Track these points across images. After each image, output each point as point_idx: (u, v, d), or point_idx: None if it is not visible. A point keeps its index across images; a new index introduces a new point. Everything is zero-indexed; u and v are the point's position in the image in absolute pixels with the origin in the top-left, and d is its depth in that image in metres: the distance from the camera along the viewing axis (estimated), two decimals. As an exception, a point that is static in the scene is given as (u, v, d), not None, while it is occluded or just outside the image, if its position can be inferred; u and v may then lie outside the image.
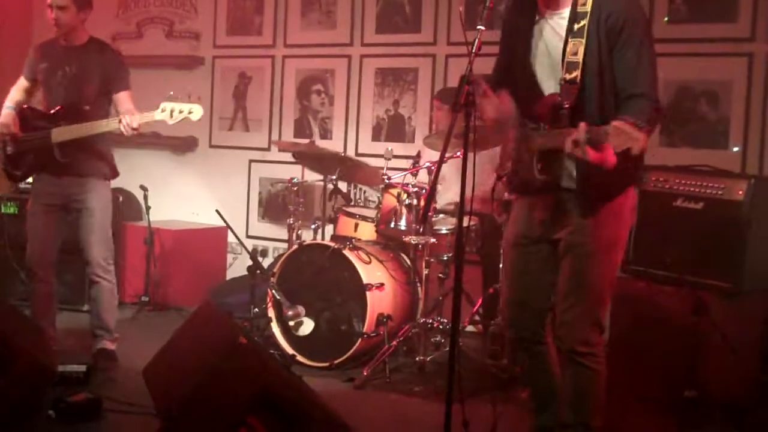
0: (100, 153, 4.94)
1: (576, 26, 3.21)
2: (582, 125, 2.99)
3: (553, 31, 3.31)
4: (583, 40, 3.18)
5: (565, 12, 3.27)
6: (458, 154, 4.76)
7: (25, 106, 5.01)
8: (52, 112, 4.87)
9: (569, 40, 3.22)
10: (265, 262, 6.40)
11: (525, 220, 3.51)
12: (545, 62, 3.34)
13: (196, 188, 7.51)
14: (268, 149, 7.22)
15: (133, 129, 4.62)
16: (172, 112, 4.52)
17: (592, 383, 3.40)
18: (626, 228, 3.47)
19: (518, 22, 3.41)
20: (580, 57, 3.18)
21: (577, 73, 3.19)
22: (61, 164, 4.83)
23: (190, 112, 4.54)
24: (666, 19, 5.69)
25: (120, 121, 4.63)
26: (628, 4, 3.26)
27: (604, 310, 3.45)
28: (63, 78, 4.91)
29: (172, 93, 4.56)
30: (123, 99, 4.89)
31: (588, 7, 3.20)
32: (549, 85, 3.33)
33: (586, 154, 2.98)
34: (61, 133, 4.77)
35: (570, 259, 3.37)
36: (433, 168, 5.28)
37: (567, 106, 3.19)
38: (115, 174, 5.08)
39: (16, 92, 5.10)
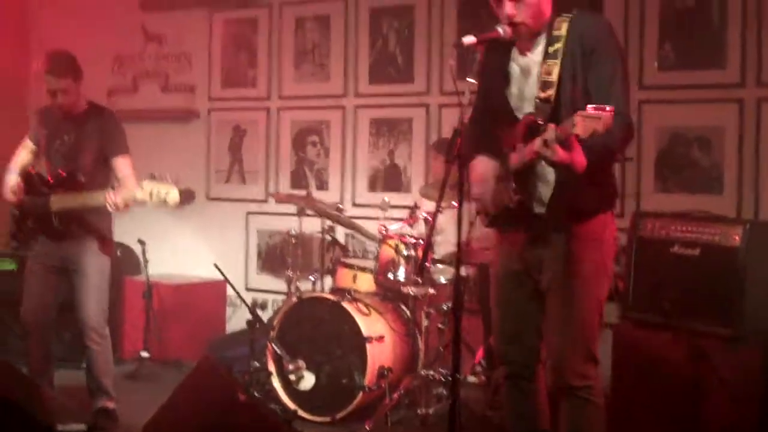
0: (97, 219, 4.95)
1: (551, 49, 3.30)
2: (551, 125, 3.07)
3: (527, 60, 3.40)
4: (558, 61, 3.26)
5: (541, 40, 3.36)
6: (454, 204, 4.80)
7: (31, 170, 5.05)
8: (51, 179, 4.91)
9: (545, 61, 3.30)
10: (265, 315, 6.37)
11: (506, 255, 3.54)
12: (522, 90, 3.42)
13: (194, 241, 7.52)
14: (265, 201, 7.25)
15: (116, 206, 4.65)
16: (151, 193, 4.53)
17: (592, 417, 3.40)
18: (609, 257, 3.48)
19: (495, 64, 3.46)
20: (554, 76, 3.26)
21: (551, 92, 3.26)
22: (59, 231, 4.86)
23: (167, 194, 4.54)
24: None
25: (107, 197, 4.66)
26: (601, 25, 3.38)
27: (595, 341, 3.44)
28: (61, 146, 4.94)
29: (153, 174, 4.56)
30: (121, 165, 4.91)
31: (563, 31, 3.28)
32: (522, 110, 3.40)
33: (555, 154, 3.02)
34: (58, 201, 4.81)
35: (554, 294, 3.39)
36: (429, 219, 5.31)
37: (541, 122, 3.22)
38: (111, 239, 5.10)
39: (21, 155, 5.13)
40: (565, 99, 3.25)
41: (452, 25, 6.46)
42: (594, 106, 2.88)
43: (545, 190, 3.35)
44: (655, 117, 5.71)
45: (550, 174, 3.31)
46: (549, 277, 3.39)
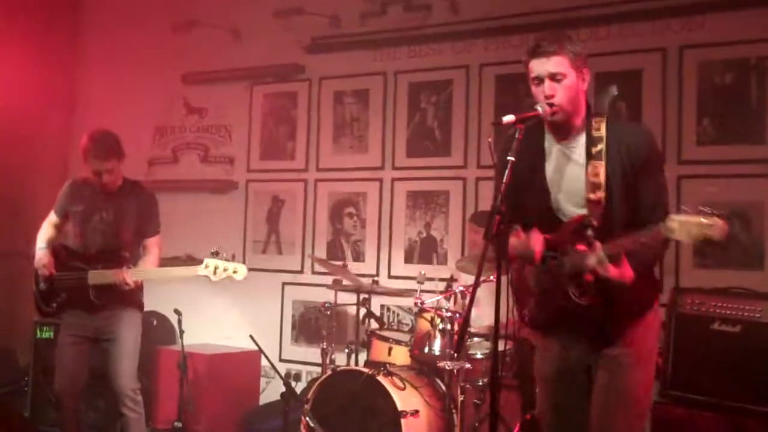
0: (133, 293, 5.01)
1: (594, 150, 3.32)
2: (597, 244, 3.11)
3: (566, 158, 3.40)
4: (603, 162, 3.28)
5: (580, 140, 3.37)
6: (491, 278, 4.78)
7: (60, 244, 5.11)
8: (87, 254, 4.96)
9: (589, 162, 3.31)
10: (298, 386, 6.36)
11: (557, 355, 3.50)
12: (563, 189, 3.41)
13: (230, 311, 7.53)
14: (301, 272, 7.27)
15: (127, 284, 4.73)
16: (215, 269, 4.61)
17: None
18: (656, 340, 3.51)
19: (527, 150, 3.42)
20: (602, 178, 3.27)
21: (601, 194, 3.27)
22: (95, 304, 4.92)
23: (234, 272, 4.62)
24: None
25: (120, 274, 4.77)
26: (645, 135, 3.41)
27: (643, 422, 3.44)
28: (99, 223, 5.03)
29: (215, 250, 4.65)
30: (152, 245, 5.04)
31: (603, 132, 3.32)
32: (567, 211, 3.40)
33: (607, 271, 3.08)
34: (97, 276, 4.86)
35: (605, 375, 3.37)
36: (466, 292, 5.29)
37: (594, 224, 3.23)
38: (141, 308, 5.15)
39: (47, 229, 5.21)
40: (615, 201, 3.27)
41: (490, 99, 6.52)
42: (703, 209, 2.90)
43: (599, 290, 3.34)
44: (693, 192, 5.67)
45: None
46: (601, 361, 3.38)
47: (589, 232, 3.23)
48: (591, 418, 3.42)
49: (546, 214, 3.43)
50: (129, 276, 4.76)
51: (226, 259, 4.69)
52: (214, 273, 4.61)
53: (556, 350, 3.52)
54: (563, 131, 3.40)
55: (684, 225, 2.89)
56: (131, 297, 4.99)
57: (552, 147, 3.45)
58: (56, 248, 5.08)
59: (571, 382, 3.48)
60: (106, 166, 4.89)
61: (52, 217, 5.22)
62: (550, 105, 3.30)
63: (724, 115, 5.71)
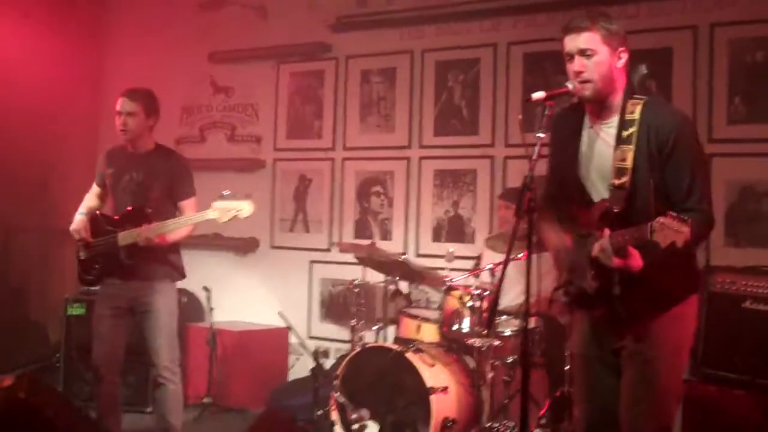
0: (165, 255, 5.03)
1: (625, 133, 3.28)
2: (605, 231, 3.13)
3: (600, 140, 3.38)
4: (632, 147, 3.25)
5: (613, 121, 3.34)
6: (521, 255, 4.79)
7: (97, 212, 5.15)
8: (117, 216, 5.00)
9: (618, 146, 3.29)
10: (327, 363, 6.39)
11: (586, 334, 3.51)
12: (593, 170, 3.41)
13: (258, 288, 7.58)
14: (328, 250, 7.30)
15: (148, 240, 4.74)
16: (222, 211, 4.60)
17: None
18: (690, 332, 3.45)
19: (566, 132, 3.48)
20: (629, 163, 3.24)
21: (626, 179, 3.24)
22: (128, 267, 4.92)
23: (239, 210, 4.60)
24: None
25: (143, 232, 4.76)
26: (677, 117, 3.35)
27: (671, 417, 3.40)
28: (129, 183, 5.04)
29: (226, 192, 4.64)
30: (187, 207, 5.01)
31: (636, 115, 3.27)
32: (598, 192, 3.39)
33: (610, 261, 3.11)
34: (126, 237, 4.88)
35: (634, 366, 3.35)
36: (495, 270, 5.30)
37: (616, 210, 3.22)
38: (181, 275, 5.16)
39: (89, 198, 5.26)
40: (640, 188, 3.24)
41: (517, 77, 6.50)
42: (675, 215, 2.90)
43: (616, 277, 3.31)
44: (724, 171, 5.64)
45: None
46: (630, 350, 3.36)
47: (612, 219, 3.24)
48: (620, 411, 3.41)
49: (580, 194, 3.44)
50: (149, 231, 4.76)
51: (237, 200, 4.65)
52: (222, 214, 4.61)
53: (585, 328, 3.53)
54: (598, 110, 3.38)
55: (663, 227, 2.89)
56: (164, 260, 5.01)
57: (587, 127, 3.44)
58: (94, 217, 5.10)
59: (598, 366, 3.48)
60: (128, 106, 4.93)
61: (94, 188, 5.28)
62: (580, 81, 3.29)
63: (756, 93, 5.67)
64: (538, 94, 3.25)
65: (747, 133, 5.67)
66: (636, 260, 3.10)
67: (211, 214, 4.64)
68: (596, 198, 3.39)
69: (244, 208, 4.60)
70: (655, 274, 3.17)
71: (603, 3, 5.78)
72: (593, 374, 3.50)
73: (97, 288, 5.23)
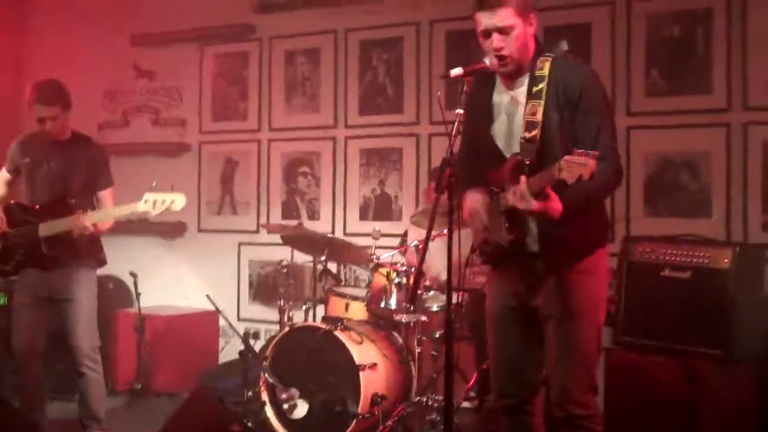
0: (85, 244, 4.96)
1: (534, 89, 3.33)
2: (522, 178, 3.14)
3: (513, 100, 3.43)
4: (542, 101, 3.30)
5: (524, 80, 3.39)
6: (444, 231, 4.82)
7: (13, 202, 5.05)
8: (37, 207, 4.91)
9: (528, 101, 3.34)
10: (257, 345, 6.38)
11: (501, 291, 3.56)
12: (505, 129, 3.45)
13: (186, 273, 7.52)
14: (256, 232, 7.26)
15: (85, 228, 4.67)
16: (155, 203, 4.55)
17: None
18: (604, 286, 3.52)
19: (480, 99, 3.49)
20: (539, 117, 3.30)
21: (536, 132, 3.29)
22: (49, 258, 4.86)
23: (172, 202, 4.57)
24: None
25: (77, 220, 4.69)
26: (583, 71, 3.45)
27: (594, 370, 3.48)
28: (47, 173, 4.95)
29: (155, 183, 4.59)
30: (105, 198, 4.98)
31: (545, 71, 3.33)
32: (509, 149, 3.43)
33: (530, 204, 3.11)
34: (47, 228, 4.81)
35: (552, 326, 3.40)
36: (420, 246, 5.33)
37: (527, 162, 3.26)
38: (102, 263, 5.11)
39: None
40: (550, 140, 3.29)
41: (440, 56, 6.54)
42: (581, 151, 2.93)
43: (533, 228, 3.38)
44: (643, 142, 5.76)
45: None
46: (546, 310, 3.41)
47: (525, 170, 3.26)
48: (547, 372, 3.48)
49: (495, 156, 3.46)
50: (85, 219, 4.69)
51: (167, 192, 4.62)
52: (154, 206, 4.57)
53: (499, 283, 3.57)
54: (510, 77, 3.43)
55: (569, 165, 2.93)
56: (85, 251, 4.94)
57: (502, 93, 3.47)
58: (9, 207, 5.00)
59: (512, 318, 3.52)
60: (49, 112, 4.82)
61: (3, 174, 5.15)
62: (500, 58, 3.32)
63: (673, 66, 5.77)
64: (456, 71, 3.27)
65: (665, 106, 5.77)
66: (556, 202, 3.12)
67: (142, 206, 4.59)
68: (507, 154, 3.43)
69: (177, 200, 4.58)
70: (567, 225, 3.21)
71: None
72: (509, 329, 3.54)
73: (16, 277, 5.14)
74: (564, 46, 6.01)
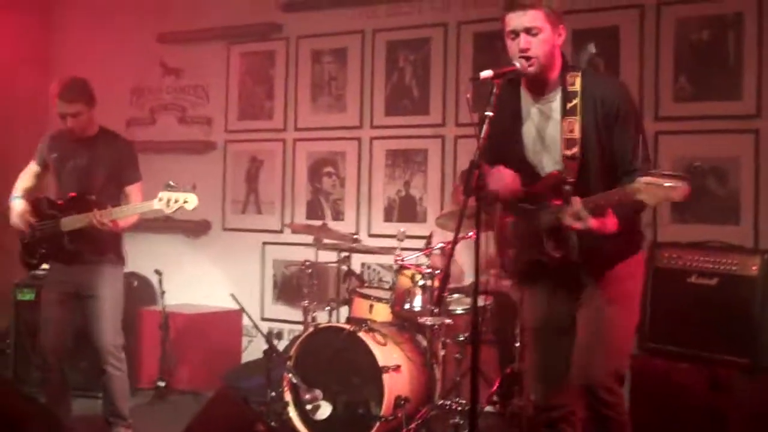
0: (108, 240, 4.98)
1: (569, 105, 3.34)
2: (575, 199, 3.14)
3: (542, 114, 3.44)
4: (578, 118, 3.32)
5: (554, 95, 3.40)
6: (470, 234, 4.82)
7: (41, 195, 5.09)
8: (61, 202, 4.94)
9: (565, 118, 3.34)
10: (280, 345, 6.40)
11: (538, 304, 3.55)
12: (538, 144, 3.45)
13: (210, 271, 7.54)
14: (281, 231, 7.28)
15: (101, 224, 4.68)
16: (168, 201, 4.57)
17: None
18: (639, 287, 3.59)
19: (505, 109, 3.48)
20: (577, 134, 3.31)
21: (576, 150, 3.31)
22: (71, 252, 4.89)
23: (185, 202, 4.58)
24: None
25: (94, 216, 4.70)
26: (618, 88, 3.47)
27: (624, 360, 3.49)
28: (74, 169, 4.99)
29: (171, 183, 4.61)
30: (133, 192, 4.98)
31: (577, 87, 3.35)
32: (545, 165, 3.44)
33: (587, 225, 3.11)
34: (69, 223, 4.84)
35: (585, 312, 3.44)
36: (446, 248, 5.32)
37: (571, 180, 3.27)
38: (123, 261, 5.14)
39: (25, 178, 5.18)
40: (590, 157, 3.31)
41: (467, 57, 6.53)
42: (666, 172, 2.92)
43: (576, 241, 3.37)
44: (671, 148, 5.73)
45: None
46: (581, 308, 3.44)
47: (567, 188, 3.28)
48: (573, 358, 3.47)
49: (527, 173, 3.46)
50: (102, 215, 4.70)
51: (183, 191, 4.63)
52: (168, 205, 4.59)
53: (540, 300, 3.58)
54: (539, 87, 3.43)
55: (649, 187, 2.91)
56: (107, 246, 4.96)
57: (529, 105, 3.48)
58: (37, 200, 5.05)
59: (553, 331, 3.54)
60: (71, 108, 4.85)
61: (32, 166, 5.20)
62: (526, 58, 3.32)
63: (701, 71, 5.73)
64: (486, 73, 3.27)
65: (692, 111, 5.74)
66: (612, 219, 3.15)
67: (157, 204, 4.61)
68: (542, 171, 3.43)
69: (190, 199, 4.59)
70: (608, 236, 3.21)
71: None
72: (547, 346, 3.56)
73: (44, 272, 5.17)
74: (592, 49, 6.00)
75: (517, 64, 3.33)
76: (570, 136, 3.32)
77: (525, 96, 3.49)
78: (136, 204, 4.81)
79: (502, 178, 3.44)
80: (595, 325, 3.40)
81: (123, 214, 4.79)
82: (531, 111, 3.47)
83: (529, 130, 3.47)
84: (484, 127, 3.18)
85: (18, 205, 5.05)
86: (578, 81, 3.35)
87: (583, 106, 3.32)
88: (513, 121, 3.49)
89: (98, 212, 4.70)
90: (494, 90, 3.24)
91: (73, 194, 4.90)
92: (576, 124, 3.31)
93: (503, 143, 3.50)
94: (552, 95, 3.41)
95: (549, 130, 3.41)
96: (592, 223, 3.12)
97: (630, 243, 3.47)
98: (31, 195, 5.14)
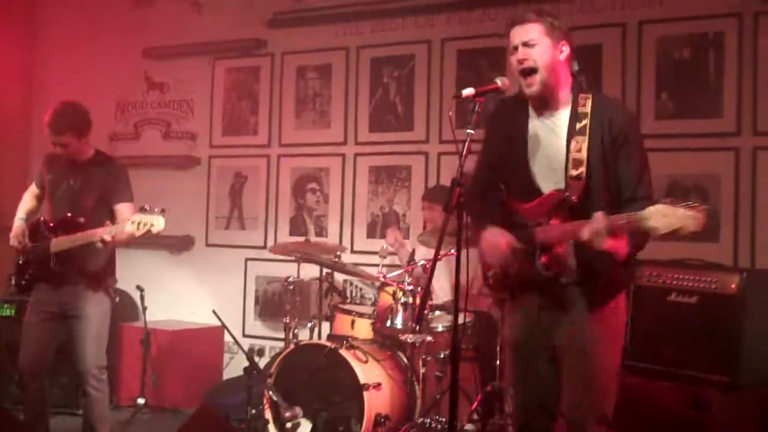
0: (95, 261, 4.97)
1: (578, 125, 3.33)
2: (599, 214, 3.09)
3: (549, 131, 3.42)
4: (586, 138, 3.31)
5: (562, 114, 3.39)
6: (452, 251, 4.81)
7: (39, 218, 5.08)
8: (52, 223, 4.94)
9: (572, 138, 3.33)
10: (262, 361, 6.38)
11: (520, 323, 3.54)
12: (543, 162, 3.43)
13: (193, 287, 7.52)
14: (264, 247, 7.26)
15: (102, 242, 4.67)
16: (138, 224, 4.56)
17: None
18: (623, 322, 3.52)
19: (508, 124, 3.51)
20: (584, 154, 3.30)
21: (582, 170, 3.29)
22: (58, 274, 4.88)
23: (152, 225, 4.58)
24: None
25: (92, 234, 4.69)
26: (627, 113, 3.48)
27: (609, 404, 3.42)
28: (66, 191, 4.99)
29: (145, 206, 4.61)
30: (121, 210, 4.96)
31: (588, 108, 3.34)
32: (547, 183, 3.41)
33: (604, 244, 3.06)
34: (57, 244, 4.84)
35: (572, 357, 3.39)
36: (427, 266, 5.32)
37: (575, 200, 3.26)
38: (111, 286, 5.11)
39: (27, 200, 5.22)
40: (595, 178, 3.30)
41: (451, 74, 6.55)
42: (682, 203, 2.90)
43: (574, 262, 3.35)
44: (652, 165, 5.64)
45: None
46: (565, 340, 3.40)
47: (570, 208, 3.27)
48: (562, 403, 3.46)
49: (527, 188, 3.44)
50: (103, 232, 4.67)
51: (153, 214, 4.62)
52: (138, 228, 4.58)
53: (523, 318, 3.54)
54: (545, 104, 3.42)
55: (658, 214, 2.90)
56: (94, 270, 4.95)
57: (534, 121, 3.46)
58: (35, 222, 5.06)
59: (534, 350, 3.49)
60: (60, 140, 4.87)
61: (33, 188, 5.24)
62: (524, 73, 3.34)
63: (682, 89, 5.78)
64: (468, 91, 3.28)
65: (674, 128, 5.77)
66: (624, 245, 3.10)
67: (129, 227, 4.60)
68: (545, 189, 3.41)
69: (156, 223, 4.58)
70: (608, 263, 3.20)
71: (536, 1, 5.84)
72: (529, 364, 3.53)
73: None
74: (575, 66, 5.99)
75: (499, 82, 3.33)
76: (577, 156, 3.31)
77: (533, 116, 3.47)
78: (110, 227, 4.76)
79: (496, 247, 3.39)
80: (583, 368, 3.36)
81: (91, 238, 4.74)
82: (536, 128, 3.45)
83: (533, 147, 3.45)
84: (466, 144, 3.18)
85: (18, 227, 5.07)
86: (589, 103, 3.34)
87: (591, 127, 3.31)
88: (516, 135, 3.48)
89: (89, 233, 4.68)
90: (476, 108, 3.25)
91: (63, 216, 4.90)
92: (584, 144, 3.30)
93: (509, 165, 3.50)
94: (559, 114, 3.40)
95: (553, 149, 3.39)
96: (608, 242, 3.07)
97: (629, 275, 3.48)
98: (32, 216, 5.16)
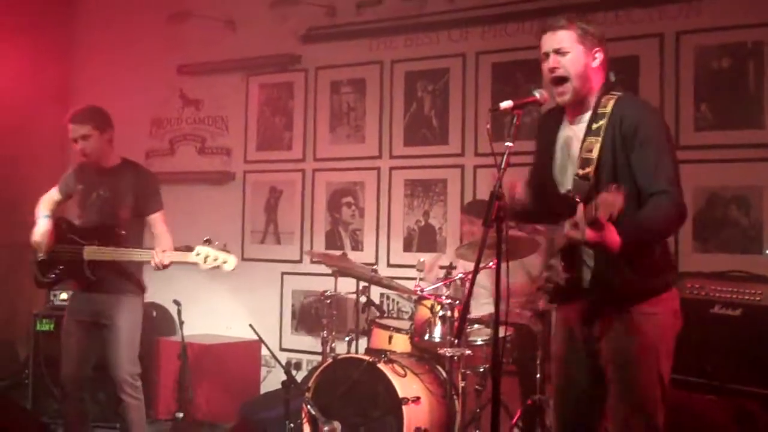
0: (128, 271, 5.01)
1: (594, 126, 3.31)
2: (579, 206, 3.04)
3: (574, 135, 3.41)
4: (599, 138, 3.28)
5: (585, 116, 3.37)
6: (491, 264, 4.78)
7: (60, 217, 5.13)
8: (86, 230, 4.96)
9: (586, 138, 3.31)
10: (299, 375, 6.36)
11: (566, 335, 3.50)
12: (565, 164, 3.43)
13: (229, 301, 7.53)
14: (300, 261, 7.27)
15: (164, 266, 4.69)
16: (206, 258, 4.58)
17: None
18: (668, 333, 3.41)
19: (547, 134, 3.52)
20: (594, 154, 3.27)
21: (590, 169, 3.27)
22: (91, 281, 4.91)
23: (224, 262, 4.60)
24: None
25: (153, 256, 4.70)
26: (642, 107, 3.39)
27: (653, 419, 3.32)
28: (97, 200, 5.03)
29: (207, 238, 4.62)
30: (156, 221, 5.00)
31: (608, 109, 3.30)
32: (564, 186, 3.41)
33: (583, 235, 3.01)
34: (93, 252, 4.86)
35: (611, 370, 3.34)
36: (466, 279, 5.29)
37: (578, 200, 3.19)
38: (142, 290, 5.13)
39: (46, 202, 5.21)
40: (605, 177, 3.24)
41: (486, 87, 6.53)
42: (616, 187, 2.89)
43: (591, 268, 3.32)
44: (692, 177, 5.64)
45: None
46: (606, 352, 3.35)
47: (577, 198, 3.22)
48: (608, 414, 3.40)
49: (554, 193, 3.44)
50: (162, 258, 4.69)
51: (220, 249, 4.65)
52: (204, 261, 4.59)
53: (563, 330, 3.52)
54: (577, 110, 3.41)
55: (601, 203, 2.89)
56: (128, 277, 4.98)
57: (565, 127, 3.46)
58: (59, 221, 5.09)
59: (578, 363, 3.45)
60: (81, 131, 4.92)
61: (54, 193, 5.24)
62: (555, 81, 3.32)
63: (722, 100, 5.72)
64: (506, 104, 3.25)
65: (713, 140, 5.71)
66: (612, 234, 3.02)
67: (193, 257, 4.62)
68: (563, 192, 3.40)
69: (230, 261, 4.61)
70: (625, 266, 3.17)
71: (570, 11, 5.80)
72: (575, 375, 3.48)
73: (63, 302, 5.18)
74: (611, 77, 5.95)
75: (537, 95, 3.32)
76: (587, 155, 3.28)
77: (564, 120, 3.48)
78: (175, 252, 4.77)
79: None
80: (621, 388, 3.31)
81: (168, 259, 4.78)
82: (565, 134, 3.45)
83: (560, 154, 3.45)
84: (504, 157, 3.16)
85: (44, 224, 5.07)
86: (611, 103, 3.29)
87: (606, 127, 3.27)
88: (550, 148, 3.49)
89: (159, 252, 4.70)
90: (514, 120, 3.23)
91: (99, 224, 4.92)
92: (596, 145, 3.27)
93: (542, 170, 3.52)
94: (584, 117, 3.38)
95: (572, 150, 3.39)
96: (590, 234, 3.00)
97: (651, 275, 3.31)
98: (52, 217, 5.16)
